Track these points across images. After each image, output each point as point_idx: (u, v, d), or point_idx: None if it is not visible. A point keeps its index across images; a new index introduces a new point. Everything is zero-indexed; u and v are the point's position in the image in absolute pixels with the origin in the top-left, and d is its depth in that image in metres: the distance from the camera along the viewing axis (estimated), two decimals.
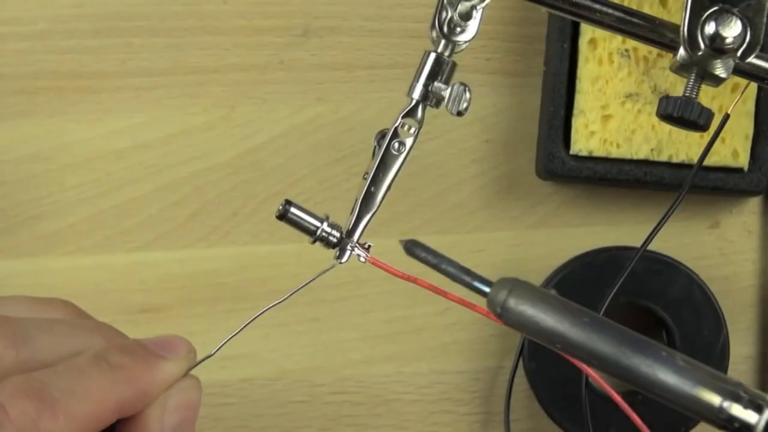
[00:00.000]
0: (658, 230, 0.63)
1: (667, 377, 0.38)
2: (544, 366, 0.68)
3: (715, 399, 0.38)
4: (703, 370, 0.38)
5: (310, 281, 0.50)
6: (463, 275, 0.43)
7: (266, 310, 0.50)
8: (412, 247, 0.45)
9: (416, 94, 0.51)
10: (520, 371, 0.69)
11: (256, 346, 0.70)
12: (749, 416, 0.37)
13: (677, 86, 0.67)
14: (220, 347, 0.50)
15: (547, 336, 0.40)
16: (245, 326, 0.50)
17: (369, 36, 0.70)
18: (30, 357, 0.42)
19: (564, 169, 0.67)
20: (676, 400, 0.38)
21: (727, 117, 0.58)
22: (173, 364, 0.46)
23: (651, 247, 0.68)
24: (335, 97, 0.70)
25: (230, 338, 0.50)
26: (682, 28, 0.51)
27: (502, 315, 0.41)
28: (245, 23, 0.70)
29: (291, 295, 0.50)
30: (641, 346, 0.39)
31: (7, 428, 0.38)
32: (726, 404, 0.37)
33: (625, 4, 0.65)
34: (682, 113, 0.52)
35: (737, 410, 0.37)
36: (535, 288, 0.41)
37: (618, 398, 0.48)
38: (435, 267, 0.44)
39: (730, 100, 0.67)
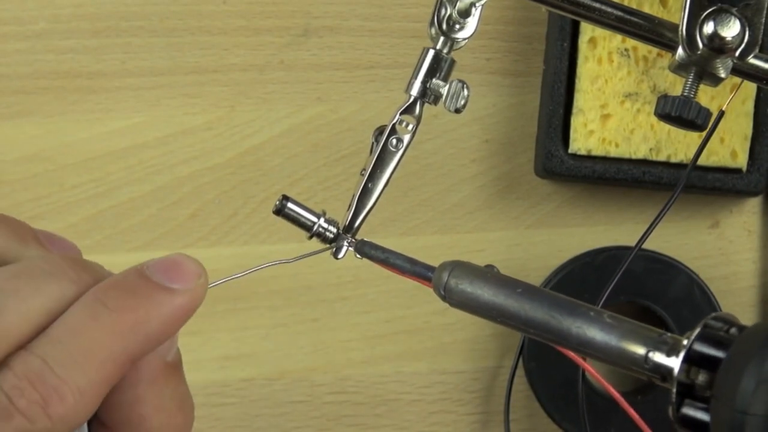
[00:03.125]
0: (653, 229, 0.63)
1: (596, 335, 0.39)
2: (544, 366, 0.68)
3: (640, 350, 0.38)
4: (630, 324, 0.39)
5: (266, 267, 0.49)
6: (410, 266, 0.45)
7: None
8: (362, 247, 0.47)
9: (414, 90, 0.51)
10: (520, 371, 0.69)
11: (256, 346, 0.70)
12: (670, 362, 0.37)
13: (676, 86, 0.67)
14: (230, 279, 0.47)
15: (488, 310, 0.41)
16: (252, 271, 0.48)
17: (369, 36, 0.70)
18: (3, 337, 0.37)
19: (562, 168, 0.67)
20: (607, 356, 0.39)
21: (721, 114, 0.58)
22: (184, 297, 0.39)
23: (651, 247, 0.68)
24: (335, 97, 0.70)
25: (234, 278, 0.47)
26: (680, 28, 0.51)
27: (446, 296, 0.43)
28: (245, 23, 0.70)
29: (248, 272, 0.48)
30: (570, 309, 0.40)
31: (17, 419, 0.36)
32: (651, 354, 0.38)
33: (625, 3, 0.65)
34: (680, 113, 0.52)
35: (660, 358, 0.38)
36: (473, 267, 0.43)
37: (616, 394, 0.48)
38: (384, 262, 0.46)
39: None
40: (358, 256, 0.48)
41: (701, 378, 0.37)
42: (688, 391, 0.37)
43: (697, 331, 0.37)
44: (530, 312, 0.40)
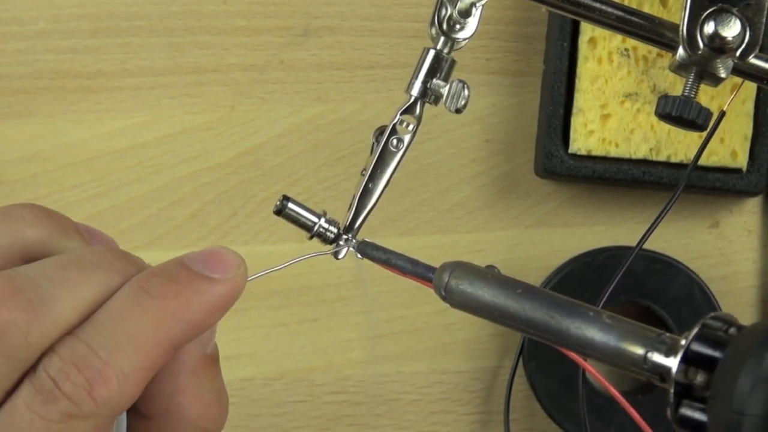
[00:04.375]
0: (653, 229, 0.63)
1: (595, 335, 0.39)
2: (544, 366, 0.68)
3: (639, 350, 0.38)
4: (629, 325, 0.39)
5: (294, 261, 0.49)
6: (410, 266, 0.45)
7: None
8: (364, 248, 0.47)
9: (415, 90, 0.51)
10: (520, 371, 0.69)
11: (256, 346, 0.70)
12: (669, 362, 0.37)
13: (676, 86, 0.67)
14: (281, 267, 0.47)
15: (488, 311, 0.41)
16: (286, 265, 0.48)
17: (369, 36, 0.70)
18: (52, 325, 0.38)
19: (562, 167, 0.67)
20: (606, 357, 0.39)
21: (722, 114, 0.58)
22: (224, 286, 0.41)
23: (651, 246, 0.68)
24: (335, 97, 0.70)
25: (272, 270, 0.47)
26: (681, 28, 0.51)
27: (447, 297, 0.43)
28: (245, 23, 0.70)
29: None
30: (570, 310, 0.40)
31: (62, 402, 0.36)
32: (649, 354, 0.38)
33: (625, 3, 0.65)
34: (680, 112, 0.52)
35: (659, 358, 0.37)
36: (474, 267, 0.43)
37: (616, 394, 0.48)
38: (385, 262, 0.46)
39: None
40: (359, 256, 0.48)
41: (699, 378, 0.37)
42: (686, 392, 0.37)
43: (694, 331, 0.37)
44: (530, 312, 0.40)
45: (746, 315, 0.71)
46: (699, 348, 0.37)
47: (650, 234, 0.63)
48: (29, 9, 0.69)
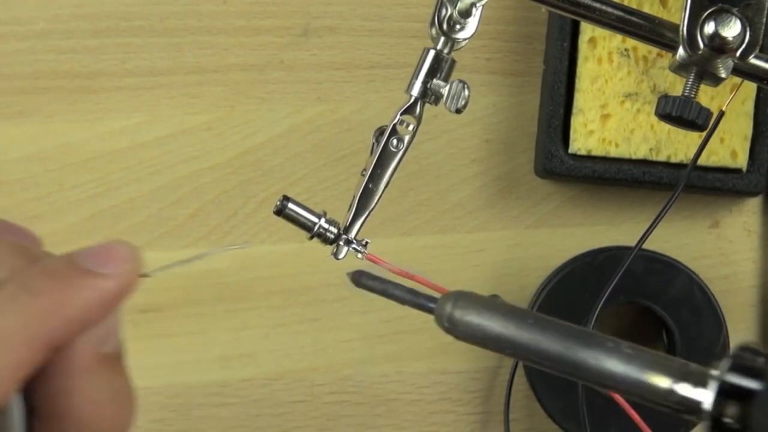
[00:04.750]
0: (653, 229, 0.63)
1: (616, 367, 0.37)
2: None
3: (664, 382, 0.36)
4: (651, 355, 0.37)
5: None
6: (410, 297, 0.43)
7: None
8: (359, 278, 0.45)
9: (415, 91, 0.51)
10: (520, 371, 0.69)
11: (256, 346, 0.70)
12: (700, 395, 0.36)
13: (676, 86, 0.67)
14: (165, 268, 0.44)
15: (496, 342, 0.39)
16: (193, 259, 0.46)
17: (369, 36, 0.70)
18: None
19: (562, 168, 0.67)
20: (628, 389, 0.37)
21: (721, 114, 0.58)
22: (110, 281, 0.39)
23: (651, 247, 0.68)
24: (335, 97, 0.70)
25: (174, 266, 0.44)
26: (681, 28, 0.51)
27: (450, 328, 0.41)
28: (245, 23, 0.70)
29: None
30: (586, 340, 0.38)
31: None
32: (676, 386, 0.36)
33: (625, 3, 0.65)
34: (680, 113, 0.52)
35: (686, 390, 0.36)
36: (479, 297, 0.40)
37: (616, 394, 0.48)
38: (382, 293, 0.44)
39: None
40: (360, 256, 0.48)
41: (730, 410, 0.35)
42: (715, 423, 0.36)
43: (727, 361, 0.35)
44: (543, 344, 0.38)
45: (746, 315, 0.71)
46: (734, 379, 0.35)
47: (650, 234, 0.63)
48: (29, 9, 0.69)
